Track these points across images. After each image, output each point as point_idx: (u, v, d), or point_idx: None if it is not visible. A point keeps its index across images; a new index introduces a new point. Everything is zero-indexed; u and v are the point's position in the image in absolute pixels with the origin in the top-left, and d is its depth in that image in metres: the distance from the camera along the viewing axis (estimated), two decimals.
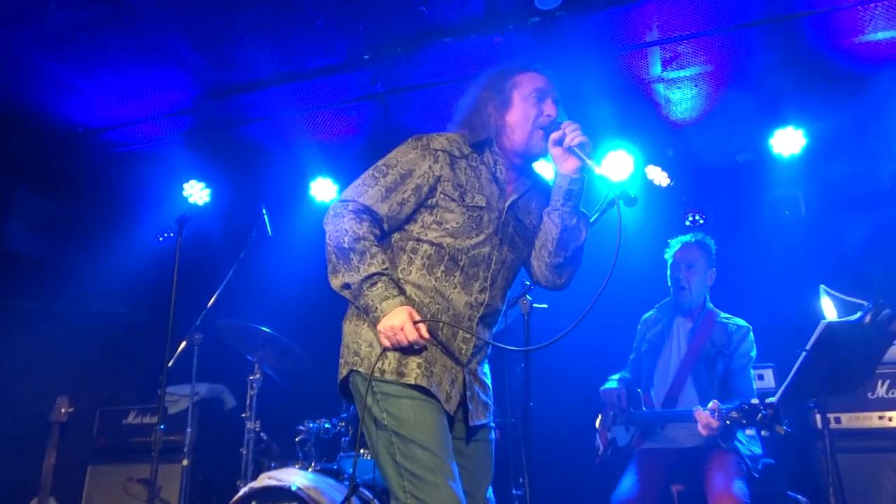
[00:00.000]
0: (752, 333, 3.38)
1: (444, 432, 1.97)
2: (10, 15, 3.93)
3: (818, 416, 2.99)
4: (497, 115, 2.14)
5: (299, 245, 4.94)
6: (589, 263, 3.77)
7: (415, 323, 1.93)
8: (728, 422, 2.94)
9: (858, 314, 2.76)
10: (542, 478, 3.86)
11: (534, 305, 3.20)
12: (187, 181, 5.59)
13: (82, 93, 4.76)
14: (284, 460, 3.90)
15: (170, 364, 3.92)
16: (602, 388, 3.58)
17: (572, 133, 2.04)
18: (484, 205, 2.07)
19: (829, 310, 3.34)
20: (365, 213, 2.05)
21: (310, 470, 3.65)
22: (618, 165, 4.91)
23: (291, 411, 4.13)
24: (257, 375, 3.98)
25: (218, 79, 4.73)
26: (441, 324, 2.01)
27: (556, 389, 4.11)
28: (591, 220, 3.14)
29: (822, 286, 3.36)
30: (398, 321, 1.91)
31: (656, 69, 4.54)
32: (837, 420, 3.58)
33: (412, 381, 1.95)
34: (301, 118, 5.14)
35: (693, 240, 3.55)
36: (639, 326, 3.72)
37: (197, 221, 4.47)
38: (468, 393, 2.05)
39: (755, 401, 2.88)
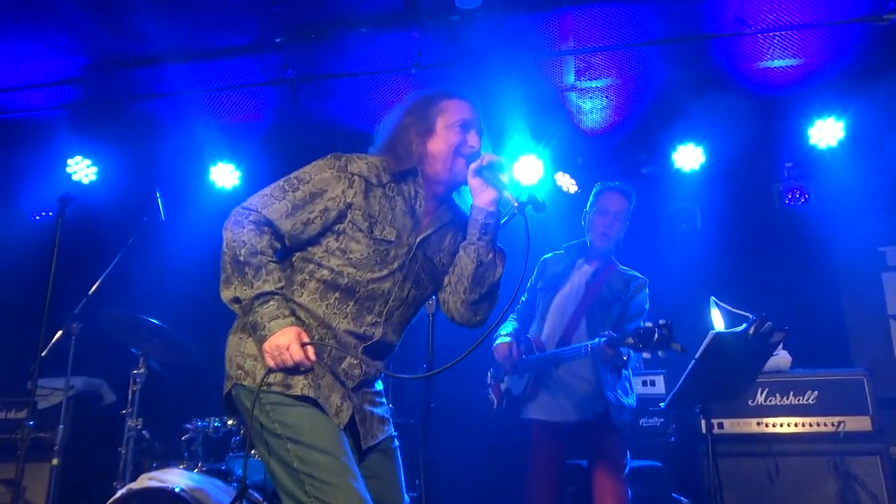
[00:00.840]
0: (647, 288, 3.44)
1: (339, 435, 1.93)
2: None
3: (703, 422, 3.12)
4: (419, 142, 2.06)
5: (196, 232, 4.66)
6: None
7: (303, 345, 1.87)
8: (625, 347, 2.98)
9: (744, 326, 2.90)
10: (441, 479, 3.83)
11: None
12: (72, 157, 5.17)
13: None
14: (167, 460, 3.67)
15: (43, 354, 3.61)
16: (494, 345, 3.54)
17: (492, 166, 2.01)
18: (393, 239, 2.00)
19: (717, 321, 3.49)
20: (267, 226, 1.95)
21: (195, 471, 3.44)
22: (528, 170, 4.96)
23: (179, 409, 3.89)
24: (142, 370, 3.71)
25: (113, 48, 4.42)
26: (329, 348, 1.96)
27: (459, 389, 4.09)
28: (501, 223, 3.17)
29: (713, 298, 3.51)
30: (284, 340, 1.85)
31: (570, 78, 4.62)
32: (720, 426, 3.76)
33: (298, 393, 1.91)
34: (204, 98, 4.88)
35: (623, 189, 3.51)
36: (538, 266, 3.67)
37: (82, 201, 4.14)
38: (357, 417, 2.01)
39: (649, 324, 2.88)
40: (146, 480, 3.29)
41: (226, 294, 1.95)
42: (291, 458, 1.86)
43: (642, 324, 2.91)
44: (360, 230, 1.96)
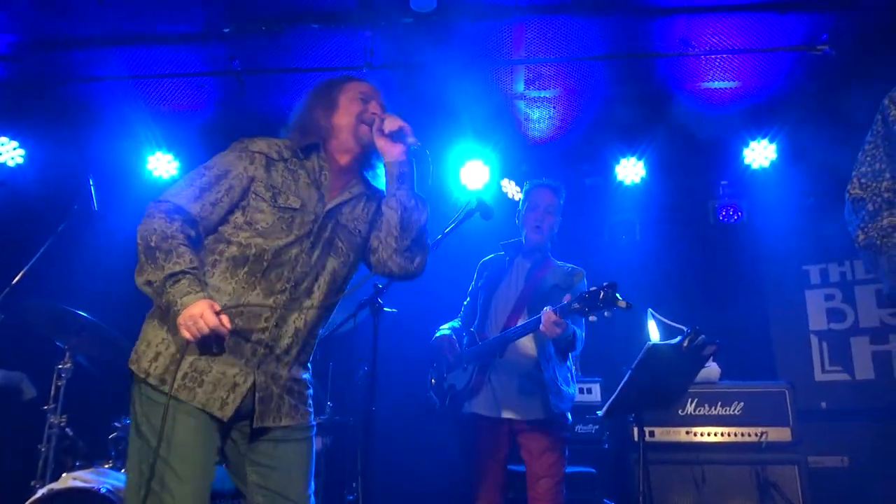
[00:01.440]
0: (586, 279, 3.49)
1: (197, 448, 1.94)
2: None
3: (635, 430, 3.19)
4: (325, 117, 2.19)
5: (131, 223, 4.47)
6: (437, 271, 3.81)
7: (217, 313, 1.90)
8: (571, 314, 2.99)
9: (678, 338, 2.99)
10: (380, 482, 3.82)
11: (385, 309, 3.14)
12: None
13: None
14: (92, 460, 3.52)
15: None
16: (434, 337, 3.55)
17: (391, 120, 2.14)
18: (297, 206, 2.09)
19: (653, 332, 3.59)
20: (177, 212, 2.01)
21: (123, 471, 3.32)
22: (474, 175, 5.00)
23: (107, 406, 3.74)
24: (68, 364, 3.55)
25: (47, 27, 4.21)
26: (233, 324, 1.98)
27: (403, 390, 4.08)
28: (448, 230, 3.17)
29: (650, 310, 3.61)
30: (197, 310, 1.88)
31: (519, 86, 4.68)
32: (651, 434, 3.87)
33: (166, 391, 1.92)
34: (145, 85, 4.72)
35: (552, 185, 3.58)
36: (477, 268, 3.70)
37: (6, 185, 3.94)
38: (258, 394, 2.02)
39: (593, 288, 2.93)
40: (69, 480, 3.17)
41: (138, 279, 1.98)
42: (143, 459, 1.90)
43: (586, 289, 2.97)
44: (264, 200, 2.05)
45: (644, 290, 4.69)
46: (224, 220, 2.07)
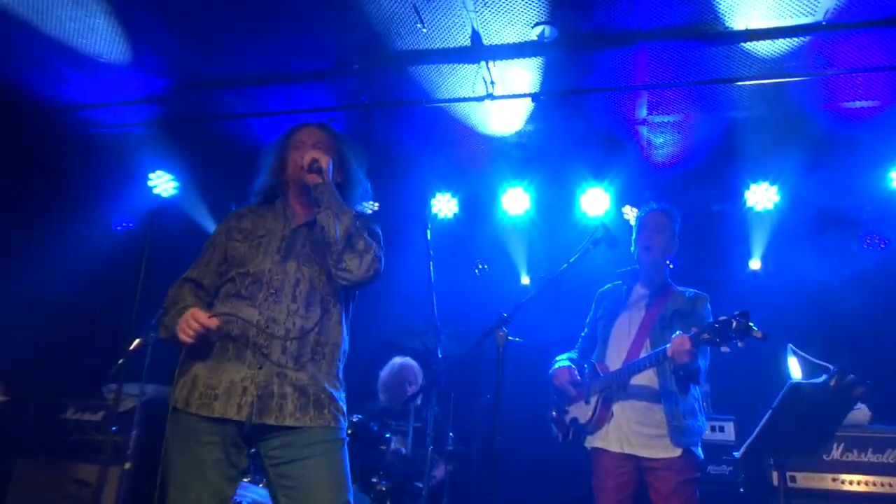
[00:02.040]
0: (709, 304, 3.36)
1: (185, 473, 2.23)
2: None
3: (775, 474, 3.02)
4: (277, 169, 2.59)
5: None
6: (562, 300, 3.79)
7: (210, 317, 2.24)
8: (702, 344, 2.89)
9: (823, 377, 2.80)
10: None
11: (509, 338, 3.15)
12: (154, 171, 5.39)
13: (51, 68, 4.56)
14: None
15: (121, 361, 3.76)
16: (551, 370, 3.51)
17: (307, 156, 2.43)
18: (264, 234, 2.46)
19: (795, 369, 3.38)
20: (185, 282, 2.47)
21: (261, 485, 3.51)
22: (595, 203, 4.95)
23: None
24: None
25: (197, 69, 4.60)
26: (233, 328, 2.29)
27: (525, 422, 4.04)
28: (573, 259, 3.15)
29: (790, 345, 3.41)
30: (188, 314, 2.23)
31: (642, 111, 4.61)
32: (793, 479, 3.62)
33: (192, 412, 2.22)
34: (282, 121, 5.01)
35: (662, 207, 3.52)
36: (595, 299, 3.65)
37: (161, 214, 4.31)
38: (257, 393, 2.23)
39: (723, 317, 2.82)
40: None
41: (161, 334, 2.41)
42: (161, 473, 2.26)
43: (711, 314, 2.87)
44: (238, 240, 2.46)
45: (779, 322, 4.43)
46: (219, 273, 2.46)
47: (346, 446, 2.34)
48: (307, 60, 4.46)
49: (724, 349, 2.85)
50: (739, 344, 2.81)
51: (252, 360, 2.27)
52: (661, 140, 4.88)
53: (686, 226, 4.96)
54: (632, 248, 3.53)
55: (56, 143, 5.25)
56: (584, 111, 4.72)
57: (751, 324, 2.76)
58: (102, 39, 4.30)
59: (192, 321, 2.20)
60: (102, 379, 4.46)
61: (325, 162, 2.43)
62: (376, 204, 5.72)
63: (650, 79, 4.30)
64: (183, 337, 2.21)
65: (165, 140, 5.23)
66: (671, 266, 4.77)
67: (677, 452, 3.10)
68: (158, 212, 3.46)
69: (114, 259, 5.09)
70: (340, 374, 2.43)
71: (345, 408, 2.40)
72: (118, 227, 5.22)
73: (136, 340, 3.92)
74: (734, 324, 2.78)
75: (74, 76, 4.64)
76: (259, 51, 4.39)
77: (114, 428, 3.15)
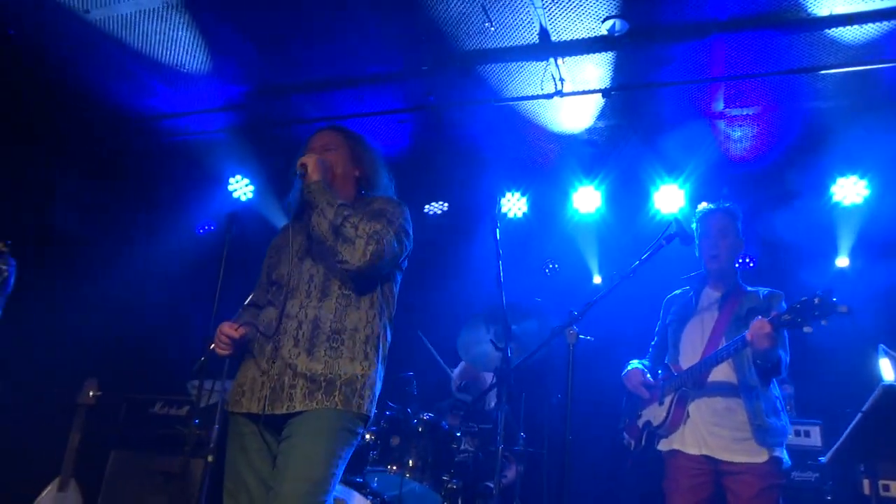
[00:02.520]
0: (784, 301, 3.20)
1: (237, 463, 2.41)
2: None
3: (866, 482, 2.86)
4: None
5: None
6: (635, 298, 3.71)
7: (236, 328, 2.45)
8: (783, 324, 2.76)
9: None
10: None
11: (580, 337, 3.10)
12: (233, 176, 5.60)
13: (138, 80, 4.81)
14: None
15: (203, 358, 3.90)
16: (624, 372, 3.42)
17: (298, 163, 2.56)
18: (285, 244, 2.58)
19: (886, 371, 3.21)
20: (248, 307, 2.70)
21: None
22: (669, 199, 4.82)
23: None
24: None
25: (272, 76, 4.74)
26: (257, 332, 2.47)
27: (597, 422, 3.98)
28: (645, 256, 3.08)
29: (882, 346, 3.23)
30: (218, 330, 2.45)
31: (719, 105, 4.45)
32: (886, 488, 3.40)
33: (231, 409, 2.44)
34: (351, 123, 5.12)
35: (722, 207, 3.38)
36: (663, 305, 3.56)
37: (243, 218, 4.47)
38: (269, 385, 2.35)
39: (804, 298, 2.69)
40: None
41: None
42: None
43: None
44: (271, 257, 2.68)
45: (869, 322, 4.20)
46: (266, 291, 2.63)
47: (346, 433, 2.34)
48: (377, 64, 4.53)
49: (807, 329, 2.69)
50: (823, 322, 2.66)
51: (269, 357, 2.40)
52: (740, 133, 4.71)
53: (767, 222, 4.79)
54: (696, 253, 3.43)
55: (143, 152, 5.53)
56: (656, 106, 4.60)
57: (834, 299, 2.62)
58: (184, 51, 4.50)
59: (221, 335, 2.43)
60: (187, 376, 4.66)
61: (310, 162, 2.52)
62: (445, 204, 5.76)
63: (727, 70, 4.15)
64: (219, 351, 2.45)
65: (243, 145, 5.43)
66: (751, 265, 4.61)
67: (762, 457, 2.96)
68: (236, 215, 3.58)
69: (197, 261, 5.31)
70: (370, 357, 2.44)
71: (371, 392, 2.42)
72: (201, 230, 5.44)
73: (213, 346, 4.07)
74: (816, 300, 2.65)
75: (159, 87, 4.88)
76: (330, 56, 4.49)
77: (196, 421, 3.29)
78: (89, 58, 4.55)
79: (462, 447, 3.78)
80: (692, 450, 3.11)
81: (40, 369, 5.04)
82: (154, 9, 4.06)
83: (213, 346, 2.49)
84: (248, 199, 5.58)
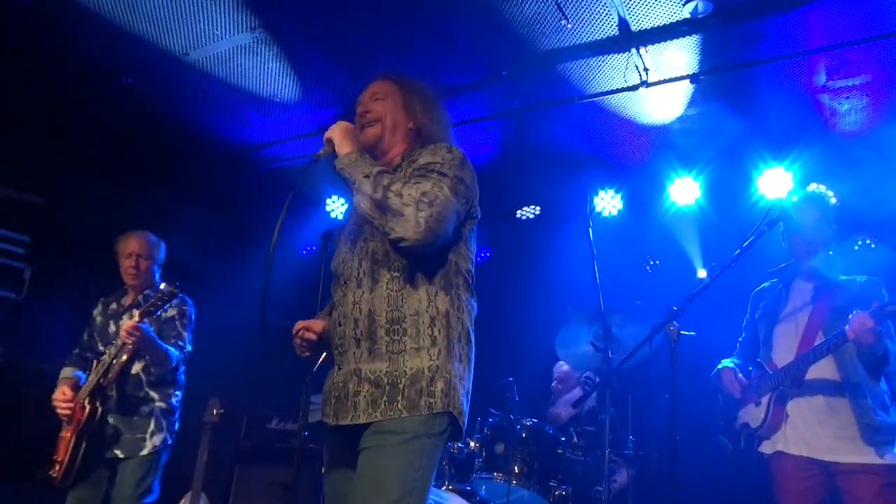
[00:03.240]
0: (884, 289, 2.96)
1: (329, 472, 2.26)
2: (181, 42, 4.30)
3: None
4: None
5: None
6: (736, 288, 3.52)
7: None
8: (887, 316, 2.59)
9: None
10: None
11: (681, 332, 2.99)
12: (330, 196, 5.81)
13: (240, 114, 5.11)
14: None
15: (314, 370, 4.06)
16: (714, 372, 3.26)
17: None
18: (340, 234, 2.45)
19: None
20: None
21: (443, 488, 3.63)
22: (775, 183, 4.55)
23: None
24: None
25: (357, 96, 4.87)
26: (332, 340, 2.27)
27: (709, 418, 3.81)
28: (746, 244, 2.92)
29: None
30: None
31: (821, 77, 4.17)
32: None
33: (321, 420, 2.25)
34: None
35: (810, 196, 3.20)
36: (751, 300, 3.37)
37: (333, 235, 4.62)
38: (334, 394, 2.17)
39: None
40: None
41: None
42: None
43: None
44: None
45: None
46: None
47: (423, 439, 2.01)
48: (458, 75, 4.57)
49: None
50: None
51: (337, 363, 2.21)
52: (847, 106, 4.38)
53: (884, 202, 4.42)
54: (783, 244, 3.22)
55: (246, 181, 5.85)
56: (752, 86, 4.37)
57: None
58: (276, 81, 4.73)
59: (295, 339, 2.40)
60: (300, 391, 4.87)
61: (336, 133, 2.31)
62: (538, 208, 5.72)
63: (826, 40, 3.87)
64: (301, 353, 2.42)
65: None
66: (872, 246, 4.26)
67: (872, 456, 2.74)
68: (330, 233, 3.71)
69: (302, 281, 5.54)
70: (439, 342, 2.09)
71: (446, 384, 2.05)
72: (304, 252, 5.67)
73: (323, 355, 4.24)
74: None
75: (256, 118, 5.15)
76: (412, 72, 4.57)
77: (306, 434, 3.42)
78: (192, 96, 4.89)
79: (568, 452, 3.72)
80: (796, 451, 2.93)
81: None
82: (245, 44, 4.30)
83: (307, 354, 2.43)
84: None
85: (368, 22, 4.04)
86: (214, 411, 5.01)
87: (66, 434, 3.45)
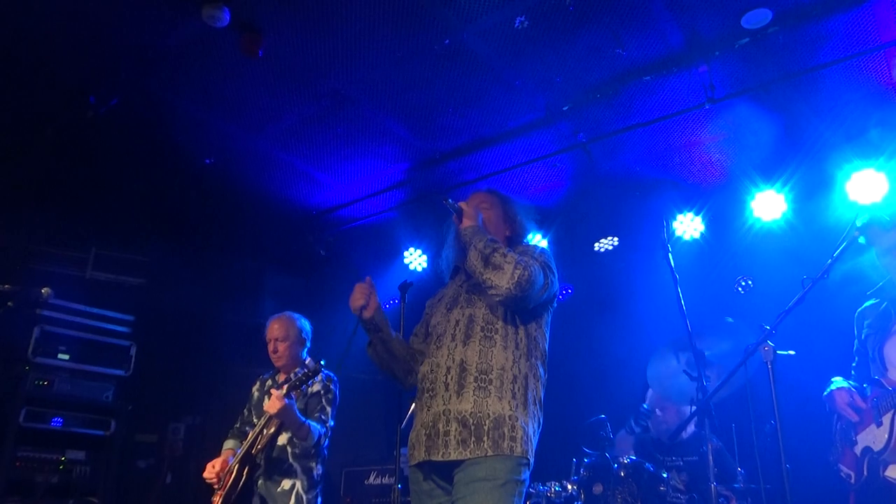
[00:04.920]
0: None
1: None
2: (253, 119, 4.56)
3: None
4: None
5: None
6: (830, 303, 3.30)
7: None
8: None
9: None
10: None
11: (777, 352, 2.82)
12: (407, 249, 5.92)
13: (313, 179, 5.33)
14: None
15: (402, 426, 4.08)
16: (826, 392, 3.02)
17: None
18: (441, 298, 2.81)
19: None
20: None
21: None
22: (867, 186, 4.28)
23: None
24: None
25: (425, 149, 5.00)
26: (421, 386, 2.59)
27: (814, 447, 3.55)
28: (836, 253, 2.74)
29: None
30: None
31: None
32: None
33: (409, 465, 2.55)
34: (507, 177, 5.23)
35: (890, 217, 2.89)
36: (855, 320, 3.14)
37: (418, 287, 4.69)
38: (425, 433, 2.45)
39: None
40: None
41: None
42: None
43: None
44: (428, 312, 2.85)
45: None
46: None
47: (512, 484, 2.31)
48: (520, 116, 4.61)
49: None
50: None
51: (426, 406, 2.50)
52: None
53: None
54: (875, 261, 3.00)
55: (327, 242, 6.05)
56: (826, 89, 4.18)
57: None
58: (347, 144, 4.93)
59: (355, 294, 2.73)
60: (393, 446, 4.90)
61: (468, 208, 2.68)
62: (615, 239, 5.60)
63: None
64: (357, 304, 2.72)
65: (411, 219, 5.74)
66: None
67: None
68: (408, 284, 3.79)
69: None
70: (518, 397, 2.44)
71: (524, 433, 2.38)
72: (387, 306, 5.75)
73: (412, 405, 4.26)
74: None
75: (330, 181, 5.36)
76: (475, 120, 4.66)
77: (399, 487, 3.43)
78: (269, 169, 5.15)
79: (672, 487, 3.54)
80: None
81: None
82: (312, 115, 4.52)
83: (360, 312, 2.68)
84: (423, 269, 5.84)
85: (426, 76, 4.16)
86: None
87: (216, 499, 3.60)
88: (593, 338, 5.38)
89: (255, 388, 4.12)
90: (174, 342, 3.80)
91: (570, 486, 3.66)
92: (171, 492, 5.41)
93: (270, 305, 6.28)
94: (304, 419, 3.61)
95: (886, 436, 2.79)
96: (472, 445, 2.33)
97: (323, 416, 3.76)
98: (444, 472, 2.42)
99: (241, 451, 3.69)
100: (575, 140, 4.74)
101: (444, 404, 2.43)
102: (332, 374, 3.91)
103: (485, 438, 2.33)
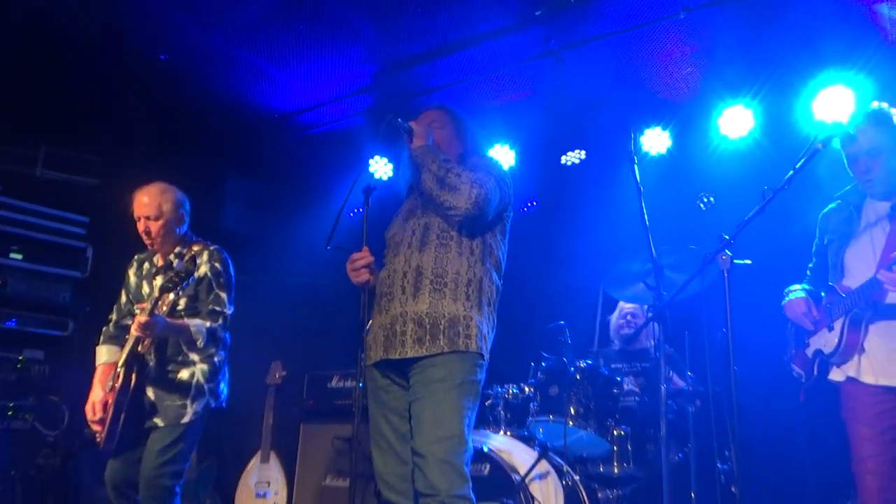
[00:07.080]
0: None
1: (375, 415, 2.66)
2: (207, 13, 4.31)
3: None
4: None
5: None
6: (789, 215, 3.35)
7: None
8: None
9: None
10: (755, 449, 3.52)
11: (734, 262, 2.88)
12: (372, 157, 5.81)
13: (275, 80, 5.12)
14: (476, 425, 3.95)
15: (365, 333, 4.12)
16: (784, 301, 3.13)
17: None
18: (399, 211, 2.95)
19: None
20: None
21: (501, 433, 3.66)
22: (835, 103, 4.29)
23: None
24: None
25: (393, 52, 4.83)
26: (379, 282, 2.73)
27: (765, 353, 3.71)
28: (799, 165, 2.77)
29: None
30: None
31: None
32: None
33: (365, 365, 2.70)
34: (476, 84, 5.10)
35: (869, 114, 2.91)
36: (818, 222, 3.18)
37: (383, 196, 4.63)
38: (383, 334, 2.57)
39: None
40: None
41: None
42: None
43: None
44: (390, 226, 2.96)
45: None
46: None
47: (468, 385, 2.45)
48: (491, 21, 4.45)
49: None
50: None
51: (383, 309, 2.61)
52: None
53: None
54: (849, 173, 3.02)
55: (288, 147, 5.90)
56: (801, 4, 4.11)
57: None
58: (310, 44, 4.71)
59: (352, 265, 2.77)
60: (356, 348, 4.97)
61: (418, 128, 2.74)
62: (583, 152, 5.58)
63: None
64: (358, 280, 2.77)
65: (378, 125, 5.59)
66: None
67: None
68: (371, 189, 3.71)
69: (351, 242, 5.60)
70: (473, 299, 2.55)
71: (479, 331, 2.50)
72: (350, 214, 5.69)
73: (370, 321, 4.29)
74: None
75: (293, 83, 5.16)
76: (445, 23, 4.49)
77: (361, 386, 3.48)
78: (228, 68, 4.92)
79: (626, 390, 3.69)
80: (869, 378, 2.79)
81: (233, 359, 5.60)
82: (273, 9, 4.28)
83: (356, 280, 2.74)
84: (389, 178, 5.76)
85: None
86: (277, 374, 5.18)
87: (108, 399, 3.21)
88: (557, 249, 5.44)
89: (131, 272, 3.56)
90: (133, 245, 3.69)
91: (527, 389, 3.78)
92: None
93: (232, 210, 6.17)
94: (186, 325, 3.17)
95: (836, 340, 2.88)
96: (427, 343, 2.45)
97: (216, 307, 3.31)
98: (401, 369, 2.56)
99: (124, 350, 3.24)
100: (546, 47, 4.62)
101: (400, 307, 2.54)
102: (219, 248, 3.44)
103: (440, 337, 2.44)
